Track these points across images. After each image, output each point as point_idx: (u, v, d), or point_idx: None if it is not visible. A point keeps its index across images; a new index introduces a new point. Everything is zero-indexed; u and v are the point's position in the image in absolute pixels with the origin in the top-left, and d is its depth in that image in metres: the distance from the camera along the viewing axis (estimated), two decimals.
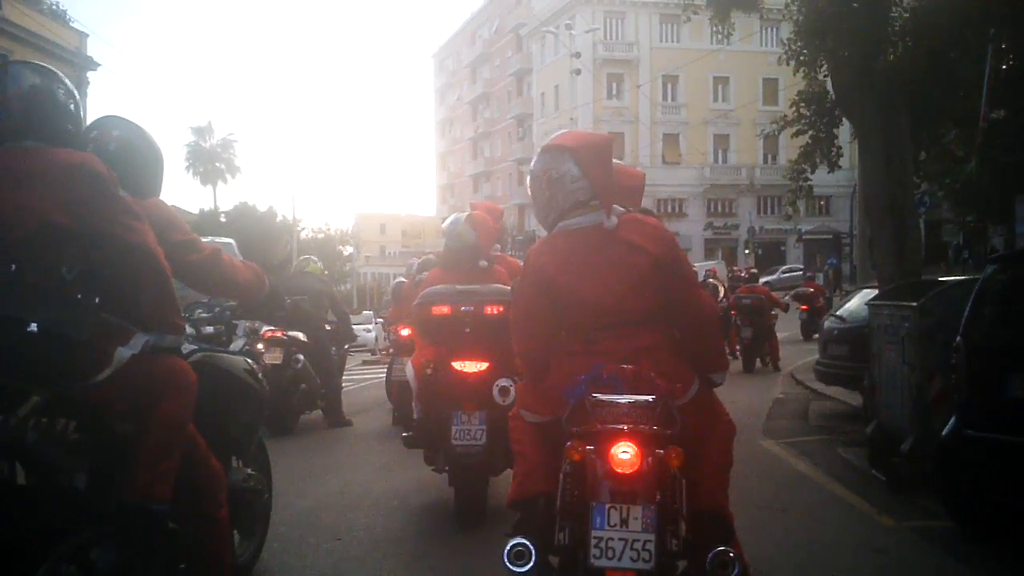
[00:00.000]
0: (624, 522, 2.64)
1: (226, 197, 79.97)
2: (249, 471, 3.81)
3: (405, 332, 8.43)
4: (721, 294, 15.92)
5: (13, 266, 2.59)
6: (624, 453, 2.65)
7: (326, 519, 5.42)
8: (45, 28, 23.51)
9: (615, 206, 3.05)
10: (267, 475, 4.21)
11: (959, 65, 11.11)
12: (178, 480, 2.85)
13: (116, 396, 2.77)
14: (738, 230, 52.17)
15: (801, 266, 48.31)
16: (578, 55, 41.54)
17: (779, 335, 16.03)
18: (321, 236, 56.79)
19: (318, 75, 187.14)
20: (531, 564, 2.71)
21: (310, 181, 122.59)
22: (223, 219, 43.25)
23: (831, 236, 49.13)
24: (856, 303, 10.61)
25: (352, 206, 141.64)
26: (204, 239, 3.35)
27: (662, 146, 52.40)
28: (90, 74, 25.64)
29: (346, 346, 10.54)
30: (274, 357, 8.50)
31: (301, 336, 8.97)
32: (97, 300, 2.75)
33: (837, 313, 11.19)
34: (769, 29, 36.07)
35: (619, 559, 2.62)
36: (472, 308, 5.18)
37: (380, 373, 14.30)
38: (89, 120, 3.18)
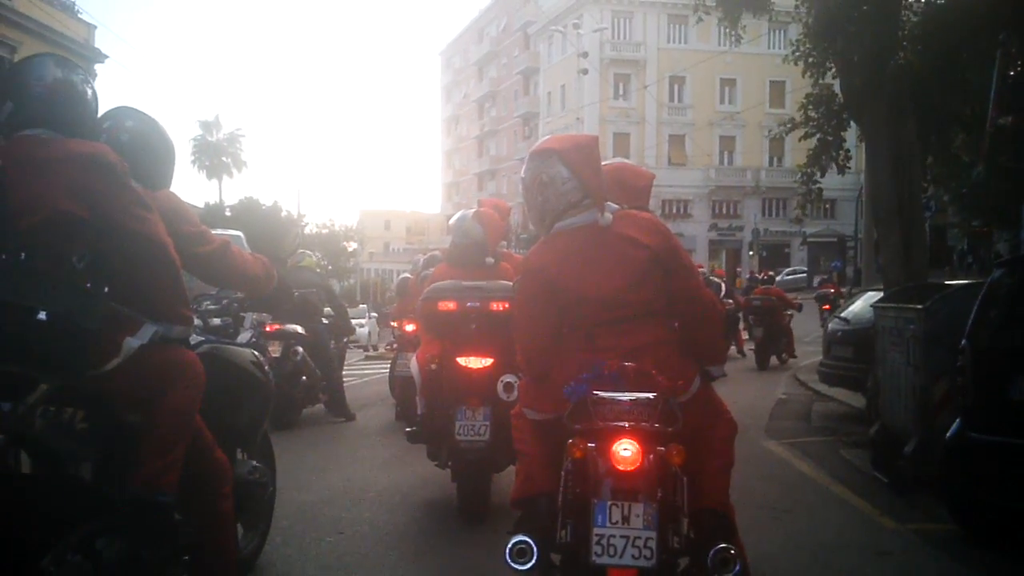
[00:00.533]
0: (626, 519, 2.64)
1: (231, 192, 79.96)
2: (254, 464, 3.81)
3: (410, 327, 8.45)
4: (723, 292, 16.04)
5: (23, 254, 2.60)
6: (626, 450, 2.65)
7: (329, 513, 5.43)
8: (54, 19, 23.50)
9: (609, 203, 3.07)
10: (272, 468, 4.22)
11: (967, 70, 11.11)
12: (184, 472, 2.85)
13: (124, 386, 2.78)
14: (742, 232, 52.11)
15: (805, 269, 48.31)
16: (585, 55, 41.48)
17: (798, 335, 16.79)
18: (325, 232, 56.88)
19: (325, 71, 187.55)
20: (533, 562, 2.72)
21: (315, 177, 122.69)
22: (228, 213, 43.31)
23: (836, 239, 49.12)
24: (860, 305, 10.61)
25: (357, 202, 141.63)
26: (213, 231, 3.36)
27: (668, 147, 52.35)
28: (98, 66, 25.60)
29: (344, 340, 10.58)
30: (273, 350, 8.51)
31: (300, 329, 8.98)
32: (106, 290, 2.76)
33: (841, 315, 11.19)
34: (777, 31, 35.94)
35: (621, 556, 2.62)
36: (478, 304, 5.19)
37: (383, 368, 14.32)
38: (99, 112, 3.19)
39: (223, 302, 3.95)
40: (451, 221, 5.95)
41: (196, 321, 3.40)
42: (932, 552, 4.85)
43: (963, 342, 5.07)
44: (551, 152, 3.09)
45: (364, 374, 16.62)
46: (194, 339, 3.25)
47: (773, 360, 15.76)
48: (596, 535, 2.64)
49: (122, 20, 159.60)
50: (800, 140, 14.00)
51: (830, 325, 11.30)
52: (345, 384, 10.37)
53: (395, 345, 10.72)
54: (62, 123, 2.79)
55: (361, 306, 38.07)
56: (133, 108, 3.20)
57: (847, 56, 10.67)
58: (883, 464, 6.59)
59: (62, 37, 23.62)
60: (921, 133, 11.28)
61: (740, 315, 16.80)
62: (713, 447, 2.97)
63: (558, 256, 3.05)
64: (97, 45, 26.11)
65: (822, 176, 13.51)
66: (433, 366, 5.21)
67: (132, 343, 2.77)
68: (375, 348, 28.30)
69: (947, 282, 8.42)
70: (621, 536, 2.63)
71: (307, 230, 51.94)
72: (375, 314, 34.81)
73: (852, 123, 12.64)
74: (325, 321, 9.61)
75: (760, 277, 22.06)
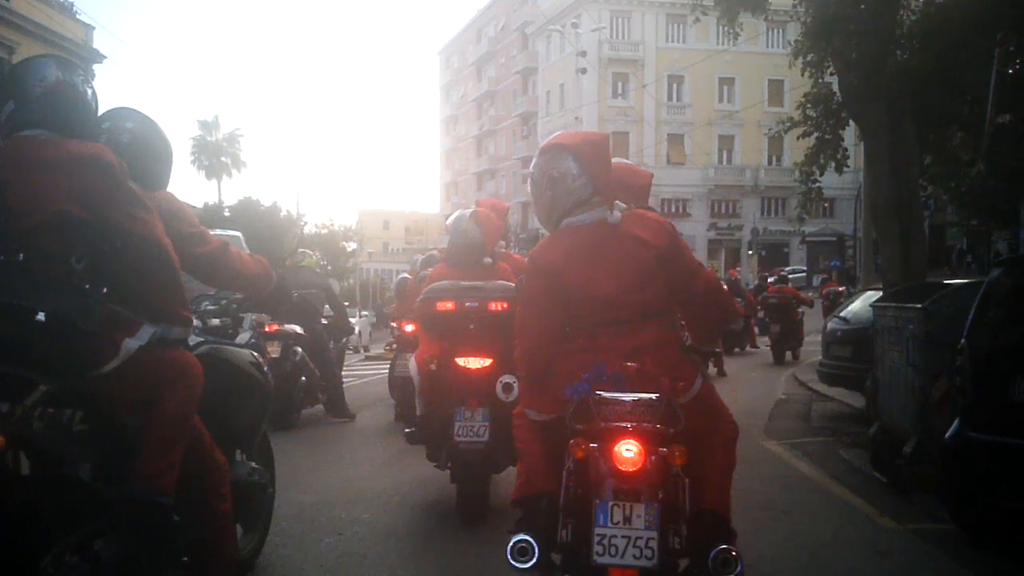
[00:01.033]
0: (627, 520, 2.65)
1: (230, 192, 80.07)
2: (253, 465, 3.81)
3: (409, 328, 8.44)
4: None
5: (22, 255, 2.60)
6: (627, 451, 2.66)
7: (328, 514, 5.42)
8: (52, 20, 23.48)
9: (617, 202, 3.07)
10: (271, 469, 4.21)
11: (966, 68, 11.11)
12: (183, 472, 2.85)
13: (122, 387, 2.78)
14: (742, 231, 52.13)
15: (804, 268, 48.32)
16: (584, 54, 41.43)
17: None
18: (325, 232, 56.82)
19: (324, 71, 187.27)
20: (534, 560, 2.72)
21: (314, 177, 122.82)
22: (227, 213, 43.28)
23: (835, 238, 49.13)
24: (859, 304, 10.61)
25: (356, 202, 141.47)
26: (212, 232, 3.36)
27: (667, 146, 52.32)
28: (96, 67, 25.57)
29: (343, 339, 10.56)
30: (272, 351, 8.50)
31: (298, 329, 8.98)
32: (105, 291, 2.76)
33: (840, 314, 11.19)
34: (775, 30, 36.00)
35: (622, 556, 2.63)
36: (476, 304, 5.18)
37: (382, 369, 14.31)
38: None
39: (222, 303, 3.94)
40: (448, 221, 5.94)
41: (195, 322, 3.39)
42: (931, 552, 4.85)
43: (962, 342, 5.07)
44: (562, 148, 3.08)
45: (363, 374, 16.60)
46: (193, 340, 3.25)
47: (788, 355, 16.61)
48: (597, 535, 2.65)
49: (120, 21, 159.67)
50: (799, 139, 14.02)
51: (829, 325, 11.31)
52: (344, 384, 10.37)
53: (394, 345, 10.72)
54: (61, 124, 2.79)
55: (352, 309, 37.93)
56: (132, 109, 3.21)
57: (845, 55, 10.68)
58: (883, 464, 6.59)
59: (60, 38, 23.60)
60: (920, 132, 11.30)
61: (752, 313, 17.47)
62: (714, 449, 2.98)
63: (565, 253, 3.04)
64: (95, 46, 26.09)
65: (821, 175, 13.52)
66: (432, 367, 5.21)
67: (131, 344, 2.77)
68: (366, 349, 27.95)
69: (946, 281, 8.41)
70: (622, 536, 2.64)
71: (306, 230, 51.93)
72: (367, 313, 34.67)
73: (851, 122, 12.65)
74: (324, 321, 9.61)
75: (770, 277, 22.41)
